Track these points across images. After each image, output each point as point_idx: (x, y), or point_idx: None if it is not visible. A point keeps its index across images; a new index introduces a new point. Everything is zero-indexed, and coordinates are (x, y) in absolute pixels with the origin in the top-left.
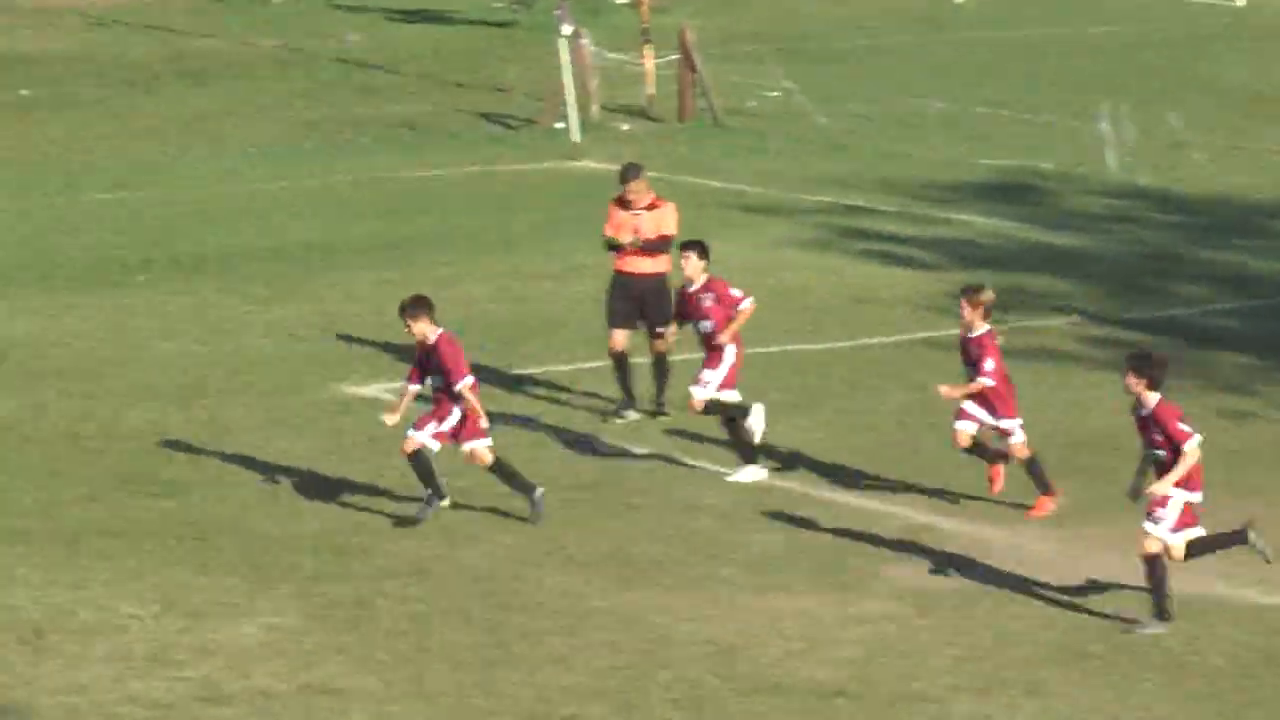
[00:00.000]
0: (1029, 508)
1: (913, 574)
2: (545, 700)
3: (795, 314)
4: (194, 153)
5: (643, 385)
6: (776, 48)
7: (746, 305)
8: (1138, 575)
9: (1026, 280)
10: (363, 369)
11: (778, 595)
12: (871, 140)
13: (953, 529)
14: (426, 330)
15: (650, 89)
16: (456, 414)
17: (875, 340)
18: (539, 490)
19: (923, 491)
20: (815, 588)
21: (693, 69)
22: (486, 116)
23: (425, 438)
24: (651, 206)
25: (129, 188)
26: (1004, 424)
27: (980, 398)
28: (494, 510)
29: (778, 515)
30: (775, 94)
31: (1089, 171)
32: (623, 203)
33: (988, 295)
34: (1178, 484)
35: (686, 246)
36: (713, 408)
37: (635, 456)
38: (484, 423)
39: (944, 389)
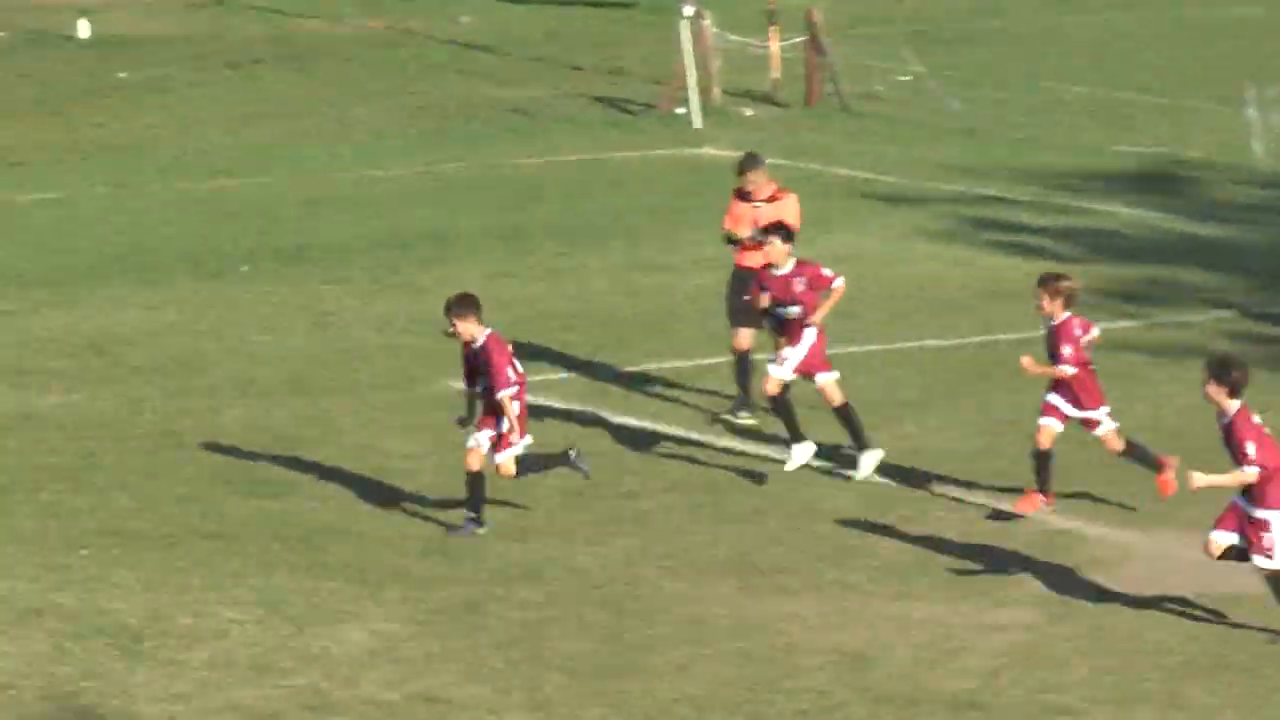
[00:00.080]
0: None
1: (1049, 580)
2: (666, 711)
3: (924, 308)
4: (298, 139)
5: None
6: (907, 30)
7: (839, 284)
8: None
9: (1171, 273)
10: None
11: (908, 602)
12: (1005, 126)
13: (1093, 533)
14: (474, 330)
15: (775, 73)
16: (505, 423)
17: (1008, 336)
18: (572, 451)
19: (1060, 494)
20: (947, 594)
21: (820, 52)
22: (603, 101)
23: (486, 449)
24: (772, 198)
25: (230, 175)
26: (1090, 414)
27: (1065, 389)
28: (610, 511)
29: (907, 518)
30: (905, 78)
31: (1235, 159)
32: (742, 195)
33: (1067, 284)
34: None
35: (766, 231)
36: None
37: (758, 459)
38: (515, 436)
39: (1026, 360)
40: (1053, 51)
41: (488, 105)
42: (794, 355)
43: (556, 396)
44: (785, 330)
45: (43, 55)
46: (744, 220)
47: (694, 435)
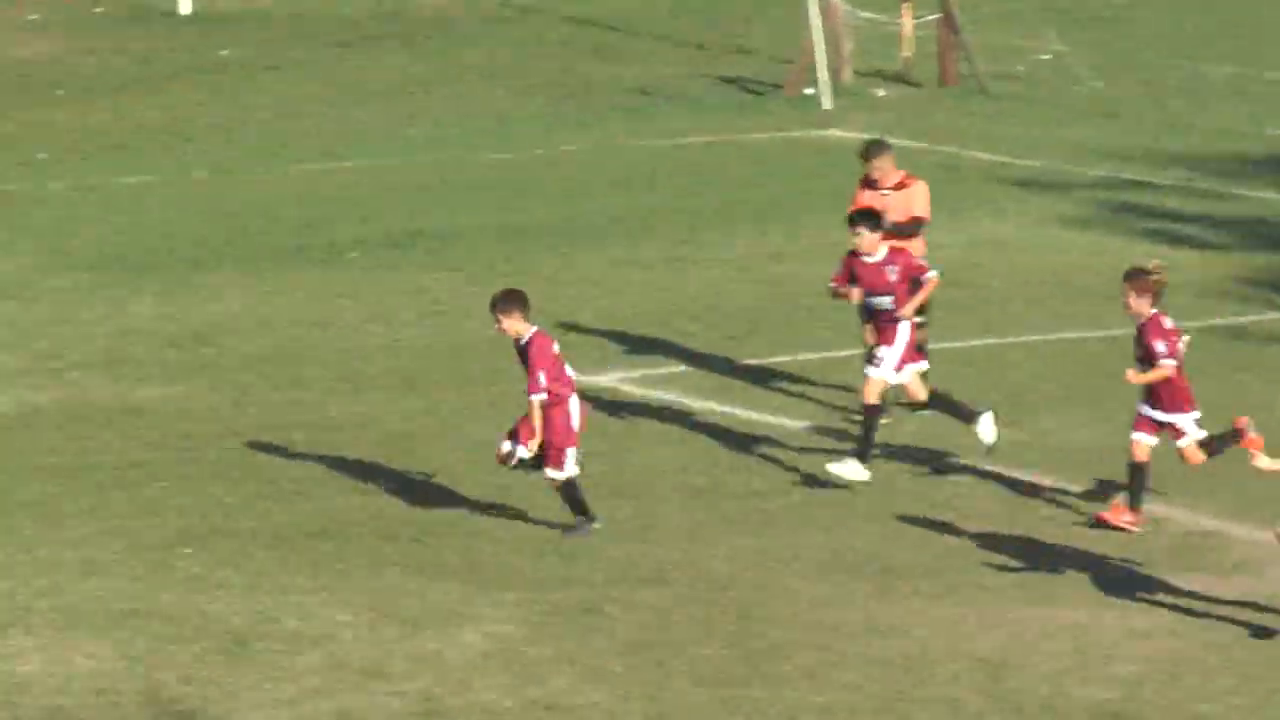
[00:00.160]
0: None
1: (1197, 584)
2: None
3: (1065, 298)
4: (410, 120)
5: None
6: (1047, 7)
7: (932, 275)
8: None
9: None
10: (595, 356)
11: (1047, 606)
12: (1150, 108)
13: (1241, 534)
14: (520, 328)
15: (908, 52)
16: (559, 417)
17: None
18: (596, 522)
19: (1209, 493)
20: (1088, 599)
21: (955, 30)
22: (728, 81)
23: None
24: (900, 186)
25: (338, 157)
26: (1175, 419)
27: (1153, 393)
28: (736, 510)
29: (1048, 518)
30: (1045, 57)
31: None
32: (868, 182)
33: (1155, 278)
34: None
35: (854, 221)
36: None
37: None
38: (533, 444)
39: (1130, 374)
40: (1200, 29)
41: (607, 85)
42: (891, 355)
43: (677, 390)
44: (876, 323)
45: (142, 31)
46: None
47: (822, 431)
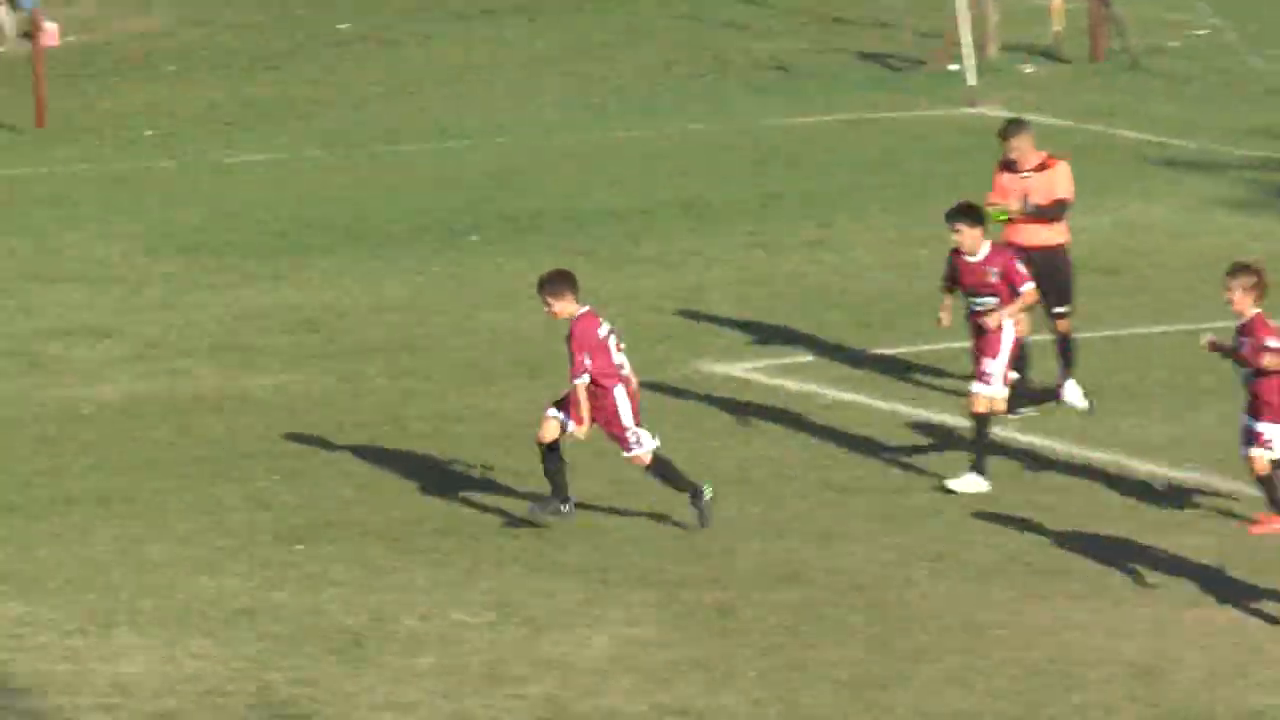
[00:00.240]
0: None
1: None
2: None
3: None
4: (530, 97)
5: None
6: None
7: (1028, 289)
8: None
9: None
10: (727, 344)
11: (1203, 609)
12: None
13: None
14: (570, 309)
15: (1057, 26)
16: (611, 401)
17: None
18: (706, 490)
19: None
20: (1245, 599)
21: (1106, 3)
22: (868, 57)
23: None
24: (1041, 167)
25: (458, 136)
26: (1260, 428)
27: (1258, 403)
28: (875, 507)
29: (1204, 516)
30: (1202, 31)
31: None
32: (1008, 164)
33: (1257, 275)
34: None
35: (952, 217)
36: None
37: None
38: (583, 427)
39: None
40: None
41: (740, 60)
42: (997, 367)
43: (809, 379)
44: (977, 330)
45: (255, 4)
46: (1012, 193)
47: (963, 425)
